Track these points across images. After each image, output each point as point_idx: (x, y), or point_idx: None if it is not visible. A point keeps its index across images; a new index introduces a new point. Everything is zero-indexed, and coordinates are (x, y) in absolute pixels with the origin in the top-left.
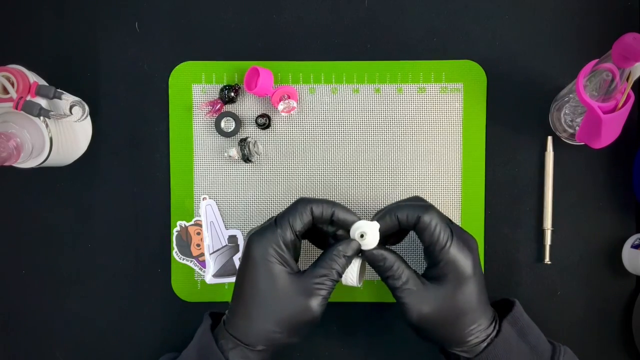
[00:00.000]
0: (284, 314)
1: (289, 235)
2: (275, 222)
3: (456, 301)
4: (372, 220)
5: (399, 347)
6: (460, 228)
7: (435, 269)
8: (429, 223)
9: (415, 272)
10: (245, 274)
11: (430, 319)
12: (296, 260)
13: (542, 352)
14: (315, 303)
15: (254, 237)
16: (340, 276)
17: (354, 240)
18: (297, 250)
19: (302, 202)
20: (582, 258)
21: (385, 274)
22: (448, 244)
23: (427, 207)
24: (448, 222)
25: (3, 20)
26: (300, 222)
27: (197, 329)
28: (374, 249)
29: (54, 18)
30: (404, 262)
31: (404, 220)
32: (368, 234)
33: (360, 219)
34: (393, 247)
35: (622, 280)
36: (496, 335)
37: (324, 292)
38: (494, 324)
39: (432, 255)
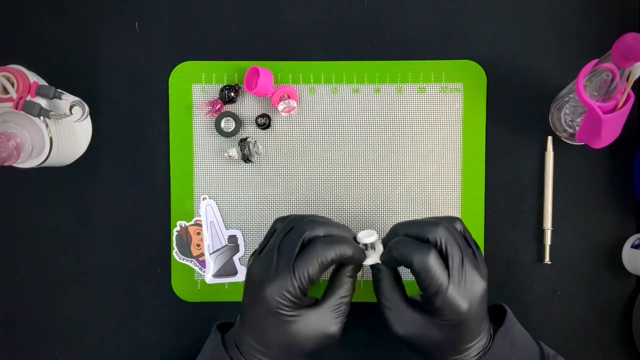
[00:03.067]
0: (306, 348)
1: (307, 285)
2: (293, 272)
3: (446, 336)
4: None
5: (398, 347)
6: (473, 263)
7: (428, 305)
8: (419, 270)
9: (407, 298)
10: (261, 319)
11: (414, 341)
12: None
13: None
14: (336, 328)
15: (268, 285)
16: (353, 294)
17: (356, 257)
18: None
19: (319, 250)
20: (582, 258)
21: (378, 292)
22: (441, 290)
23: (422, 247)
24: (460, 250)
25: (3, 20)
26: (318, 271)
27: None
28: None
29: (54, 18)
30: (400, 283)
31: (400, 260)
32: (377, 248)
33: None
34: None
35: (622, 280)
36: (486, 351)
37: (341, 317)
38: (486, 339)
39: (425, 295)
